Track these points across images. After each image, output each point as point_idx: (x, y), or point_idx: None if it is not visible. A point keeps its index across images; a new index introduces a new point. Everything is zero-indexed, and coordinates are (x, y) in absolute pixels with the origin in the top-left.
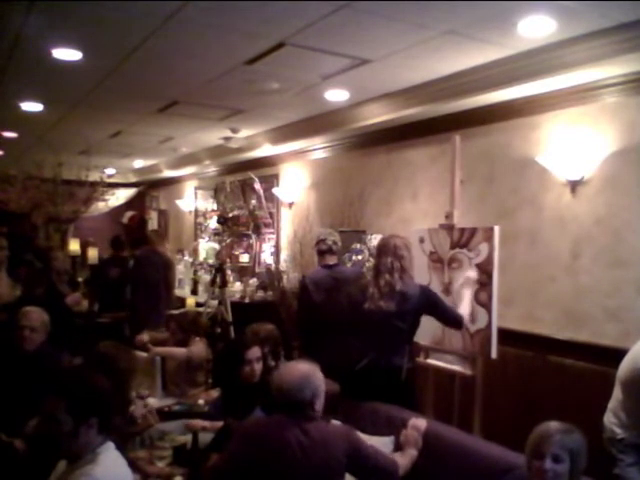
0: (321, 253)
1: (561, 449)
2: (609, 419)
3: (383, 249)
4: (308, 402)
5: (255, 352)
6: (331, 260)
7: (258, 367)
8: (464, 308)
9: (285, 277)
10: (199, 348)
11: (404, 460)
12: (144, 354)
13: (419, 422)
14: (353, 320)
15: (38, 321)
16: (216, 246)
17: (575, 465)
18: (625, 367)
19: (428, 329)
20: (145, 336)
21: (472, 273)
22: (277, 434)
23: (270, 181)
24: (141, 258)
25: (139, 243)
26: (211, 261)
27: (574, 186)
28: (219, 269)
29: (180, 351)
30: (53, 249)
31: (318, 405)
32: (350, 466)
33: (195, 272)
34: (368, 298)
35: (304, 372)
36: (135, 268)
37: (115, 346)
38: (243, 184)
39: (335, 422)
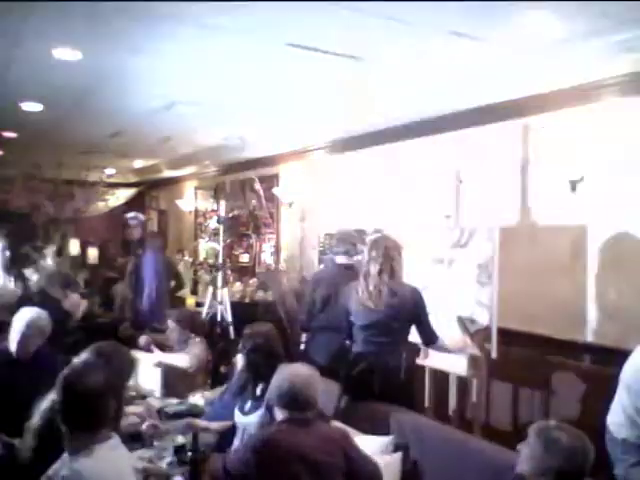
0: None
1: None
2: (612, 419)
3: (373, 250)
4: (315, 401)
5: None
6: (341, 260)
7: None
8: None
9: (285, 277)
10: (200, 352)
11: None
12: (145, 354)
13: None
14: (348, 320)
15: (32, 327)
16: (216, 246)
17: None
18: (630, 367)
19: None
20: (143, 338)
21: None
22: (287, 442)
23: (270, 181)
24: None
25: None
26: (211, 261)
27: (574, 186)
28: (219, 269)
29: (183, 360)
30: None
31: (318, 405)
32: (347, 469)
33: (195, 272)
34: (360, 298)
35: (310, 373)
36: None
37: (113, 346)
38: (243, 184)
39: (335, 423)
